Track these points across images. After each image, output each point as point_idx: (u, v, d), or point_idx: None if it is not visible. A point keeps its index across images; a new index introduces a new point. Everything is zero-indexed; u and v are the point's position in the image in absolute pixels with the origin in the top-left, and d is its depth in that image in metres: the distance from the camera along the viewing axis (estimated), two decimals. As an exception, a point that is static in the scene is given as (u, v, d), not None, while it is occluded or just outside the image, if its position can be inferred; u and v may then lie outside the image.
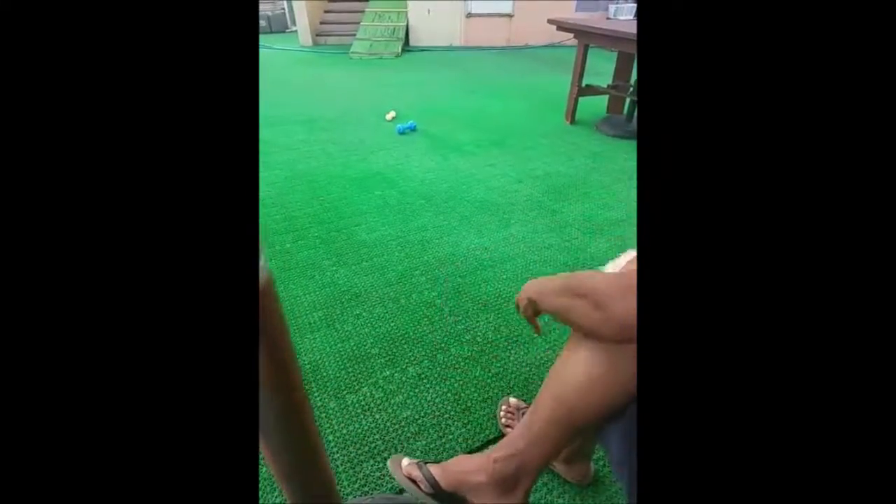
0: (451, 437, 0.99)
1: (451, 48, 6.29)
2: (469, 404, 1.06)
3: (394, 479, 0.78)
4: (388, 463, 0.80)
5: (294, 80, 4.59)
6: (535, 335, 1.26)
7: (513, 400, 1.03)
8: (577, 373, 0.57)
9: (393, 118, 3.16)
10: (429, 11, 6.08)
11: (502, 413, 1.01)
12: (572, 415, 0.58)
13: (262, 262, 0.22)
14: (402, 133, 2.89)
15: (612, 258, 0.65)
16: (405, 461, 0.76)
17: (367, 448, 0.96)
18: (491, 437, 0.99)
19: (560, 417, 0.59)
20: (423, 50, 6.16)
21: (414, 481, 0.72)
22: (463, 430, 1.00)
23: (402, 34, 6.08)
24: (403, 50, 6.05)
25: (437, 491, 0.69)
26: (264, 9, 8.93)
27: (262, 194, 2.13)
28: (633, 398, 0.53)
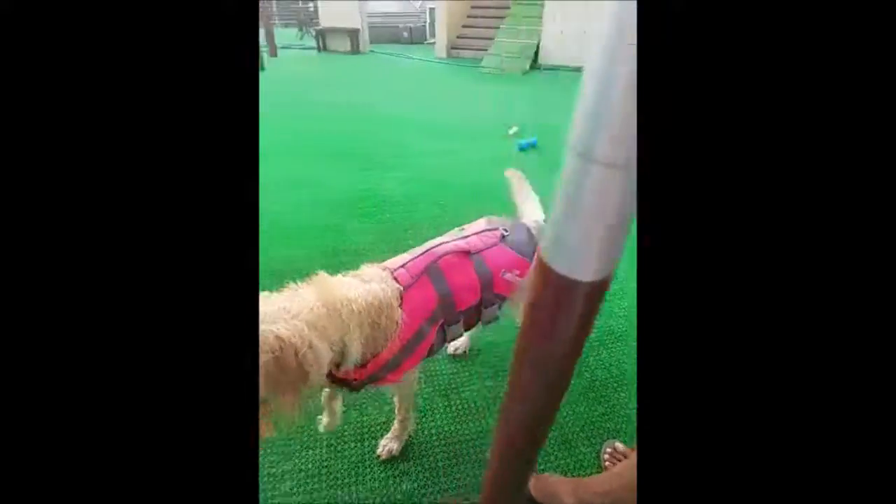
0: (550, 465, 0.97)
1: (581, 70, 6.18)
2: (570, 437, 1.03)
3: None
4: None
5: (427, 89, 4.89)
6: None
7: (619, 445, 0.98)
8: None
9: (515, 133, 3.20)
10: (561, 32, 6.05)
11: (607, 456, 0.97)
12: None
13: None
14: (522, 149, 2.92)
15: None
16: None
17: (466, 450, 0.99)
18: (592, 474, 0.95)
19: None
20: (552, 69, 6.15)
21: None
22: (563, 461, 0.98)
23: (531, 52, 6.13)
24: (532, 68, 6.09)
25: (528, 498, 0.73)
26: (408, 21, 9.68)
27: (388, 194, 2.31)
28: None
